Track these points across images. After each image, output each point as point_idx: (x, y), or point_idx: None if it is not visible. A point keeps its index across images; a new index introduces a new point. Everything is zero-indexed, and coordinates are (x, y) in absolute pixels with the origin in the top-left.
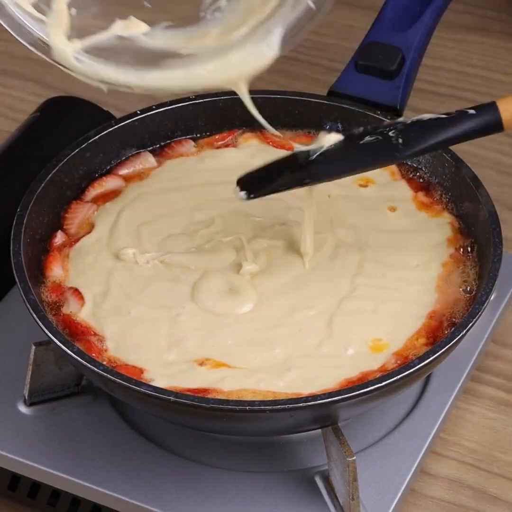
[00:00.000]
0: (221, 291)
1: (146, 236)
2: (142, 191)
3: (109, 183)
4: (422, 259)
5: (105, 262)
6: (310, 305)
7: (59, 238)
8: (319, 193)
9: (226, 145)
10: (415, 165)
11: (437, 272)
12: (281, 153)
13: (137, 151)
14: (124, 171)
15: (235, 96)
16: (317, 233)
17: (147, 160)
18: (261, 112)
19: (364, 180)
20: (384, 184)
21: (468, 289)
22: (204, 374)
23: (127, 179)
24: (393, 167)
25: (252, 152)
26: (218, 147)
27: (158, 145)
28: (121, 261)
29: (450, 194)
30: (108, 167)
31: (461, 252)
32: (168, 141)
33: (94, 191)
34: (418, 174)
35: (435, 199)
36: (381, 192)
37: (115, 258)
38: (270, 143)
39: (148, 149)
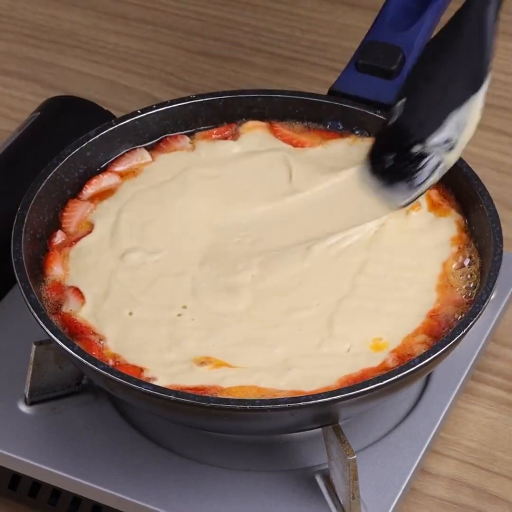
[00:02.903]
0: (219, 290)
1: (150, 235)
2: (137, 188)
3: (105, 180)
4: (424, 259)
5: (107, 263)
6: (310, 304)
7: (59, 237)
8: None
9: (225, 138)
10: None
11: (438, 271)
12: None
13: (133, 148)
14: (120, 167)
15: (236, 96)
16: (316, 237)
17: (143, 156)
18: (261, 111)
19: None
20: None
21: (469, 288)
22: (204, 373)
23: (123, 175)
24: None
25: (255, 143)
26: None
27: (154, 141)
28: (124, 262)
29: (451, 193)
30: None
31: (462, 252)
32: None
33: (91, 189)
34: None
35: (445, 197)
36: None
37: (118, 260)
38: (279, 136)
39: (144, 145)
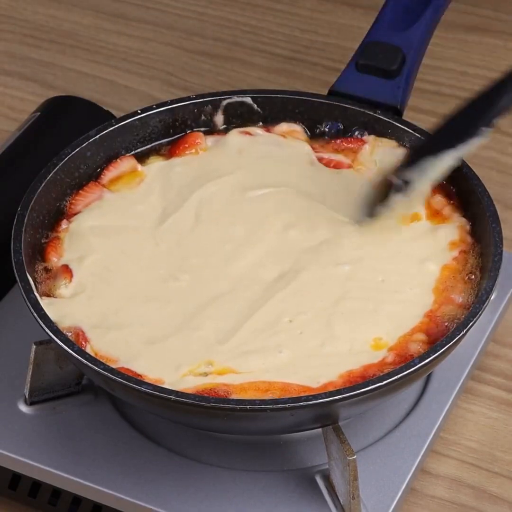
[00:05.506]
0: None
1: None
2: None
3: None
4: (424, 263)
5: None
6: (304, 309)
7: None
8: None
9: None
10: None
11: (439, 274)
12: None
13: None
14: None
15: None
16: (318, 248)
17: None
18: (261, 111)
19: None
20: None
21: (469, 288)
22: (211, 380)
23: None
24: None
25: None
26: None
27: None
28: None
29: (453, 194)
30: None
31: (463, 254)
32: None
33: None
34: None
35: (449, 201)
36: None
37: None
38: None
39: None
